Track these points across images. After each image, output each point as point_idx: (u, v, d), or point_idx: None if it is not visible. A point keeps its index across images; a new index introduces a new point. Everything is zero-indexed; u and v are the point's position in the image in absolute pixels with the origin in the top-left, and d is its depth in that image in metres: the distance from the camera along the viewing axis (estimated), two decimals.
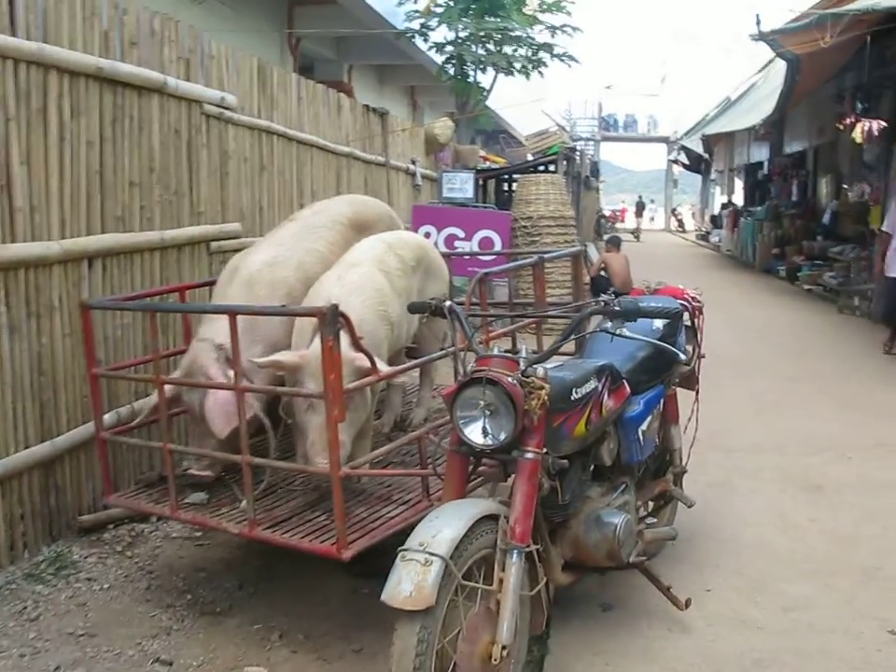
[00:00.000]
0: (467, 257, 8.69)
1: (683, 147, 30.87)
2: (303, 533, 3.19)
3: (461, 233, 9.56)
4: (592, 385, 3.06)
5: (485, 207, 11.15)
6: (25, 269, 3.86)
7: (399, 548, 2.48)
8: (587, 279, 10.34)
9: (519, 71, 13.89)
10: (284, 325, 3.62)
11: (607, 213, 37.91)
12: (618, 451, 3.38)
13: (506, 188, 13.72)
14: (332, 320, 2.82)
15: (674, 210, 46.97)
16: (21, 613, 3.57)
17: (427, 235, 9.44)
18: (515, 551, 2.62)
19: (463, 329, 3.04)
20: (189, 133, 5.23)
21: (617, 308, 2.89)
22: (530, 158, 14.58)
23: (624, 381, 3.36)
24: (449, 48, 13.75)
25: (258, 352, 3.52)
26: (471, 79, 13.92)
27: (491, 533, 2.62)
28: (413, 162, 10.81)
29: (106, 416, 4.16)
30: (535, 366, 2.80)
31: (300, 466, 3.23)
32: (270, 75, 6.45)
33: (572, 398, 2.95)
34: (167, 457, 3.42)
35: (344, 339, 3.07)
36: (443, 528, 2.48)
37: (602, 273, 10.98)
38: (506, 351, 4.13)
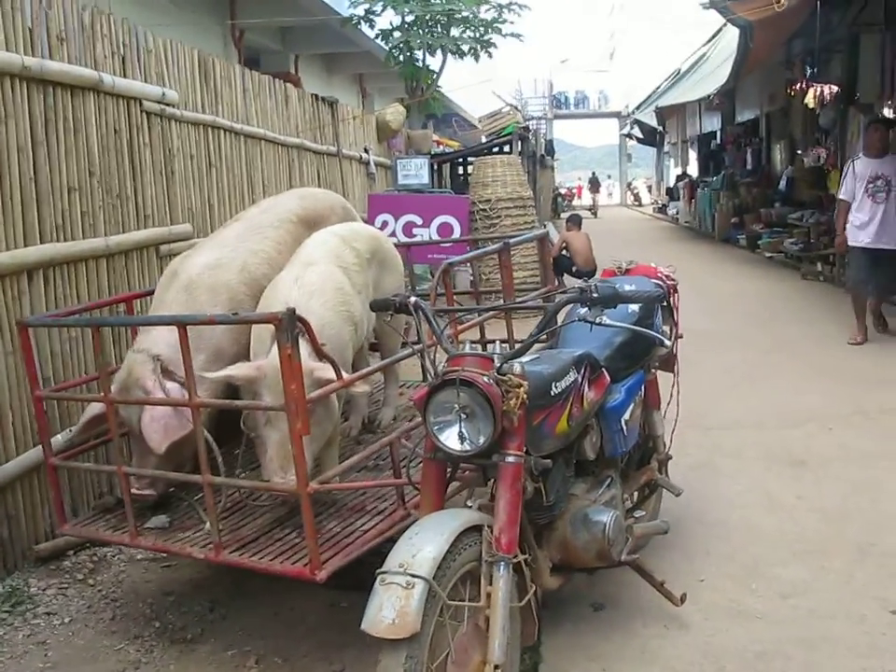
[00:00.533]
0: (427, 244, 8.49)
1: (636, 121, 30.82)
2: (273, 554, 2.98)
3: (419, 220, 9.36)
4: (571, 377, 2.89)
5: (442, 192, 10.94)
6: None
7: (378, 570, 2.29)
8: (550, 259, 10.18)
9: (468, 53, 13.66)
10: (228, 332, 3.41)
11: (563, 191, 37.91)
12: (601, 443, 3.21)
13: (461, 171, 13.52)
14: (290, 326, 2.61)
15: (629, 184, 47.09)
16: None
17: (385, 224, 9.28)
18: (502, 563, 2.44)
19: (431, 326, 2.84)
20: (130, 132, 4.97)
21: (595, 295, 2.70)
22: (484, 140, 14.38)
23: (604, 369, 3.20)
24: (396, 33, 13.48)
25: (201, 361, 3.30)
26: (420, 64, 13.67)
27: (475, 545, 2.44)
28: (366, 151, 10.57)
29: (59, 436, 3.92)
30: (510, 362, 2.62)
31: (264, 484, 3.01)
32: (212, 68, 6.19)
33: (552, 393, 2.77)
34: (122, 480, 3.19)
35: (305, 346, 2.87)
36: (424, 546, 2.29)
37: (564, 252, 10.82)
38: (475, 342, 3.98)
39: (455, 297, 4.22)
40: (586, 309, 2.80)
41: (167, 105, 5.37)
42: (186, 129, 5.72)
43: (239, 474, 3.35)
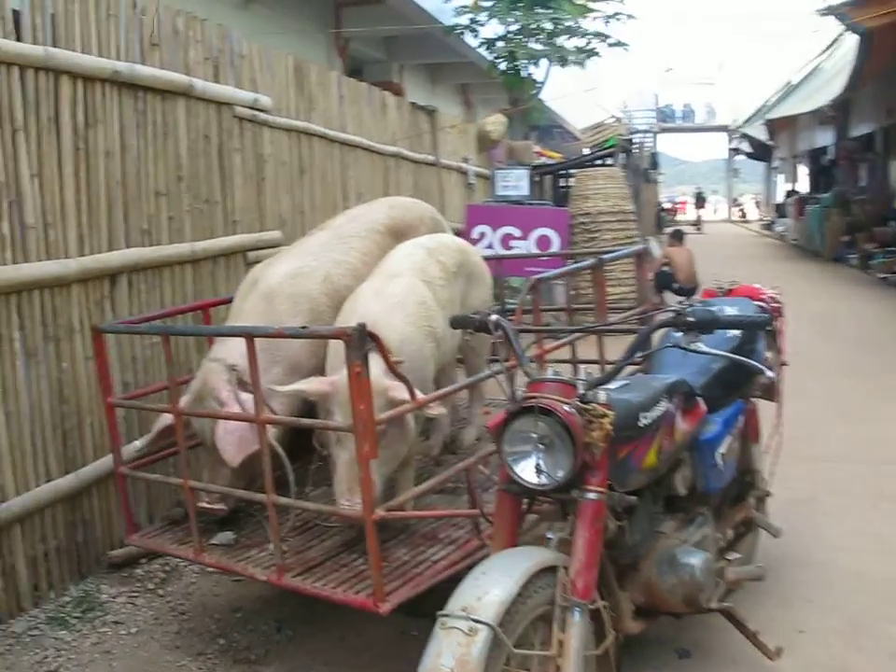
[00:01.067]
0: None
1: (745, 135, 29.97)
2: (337, 581, 2.83)
3: (517, 232, 9.21)
4: (662, 406, 2.65)
5: (542, 204, 10.72)
6: (40, 290, 3.59)
7: (439, 612, 2.11)
8: (650, 275, 9.87)
9: (573, 62, 13.41)
10: (306, 345, 3.28)
11: (667, 206, 37.14)
12: (693, 478, 2.96)
13: (562, 183, 13.25)
14: (360, 342, 2.46)
15: (736, 200, 45.88)
16: (41, 663, 3.30)
17: (483, 235, 9.20)
18: (577, 608, 2.23)
19: (511, 346, 2.66)
20: (220, 137, 4.94)
21: (691, 319, 2.47)
22: (587, 152, 14.09)
23: (699, 398, 2.95)
24: (500, 43, 13.34)
25: (277, 374, 3.19)
26: (523, 74, 13.49)
27: (548, 588, 2.23)
28: (466, 161, 10.44)
29: (137, 442, 3.86)
30: (595, 390, 2.41)
31: (329, 508, 2.85)
32: (307, 74, 6.14)
33: (640, 424, 2.55)
34: (188, 495, 3.10)
35: (378, 364, 2.72)
36: (491, 588, 2.10)
37: (665, 267, 10.48)
38: (562, 363, 3.77)
39: (544, 313, 4.03)
40: (682, 333, 2.57)
41: (260, 110, 5.33)
42: (278, 135, 5.68)
43: (309, 492, 3.22)
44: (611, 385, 2.54)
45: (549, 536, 2.46)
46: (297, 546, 3.09)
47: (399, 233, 4.04)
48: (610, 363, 3.08)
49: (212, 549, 3.19)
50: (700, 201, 39.38)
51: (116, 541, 4.02)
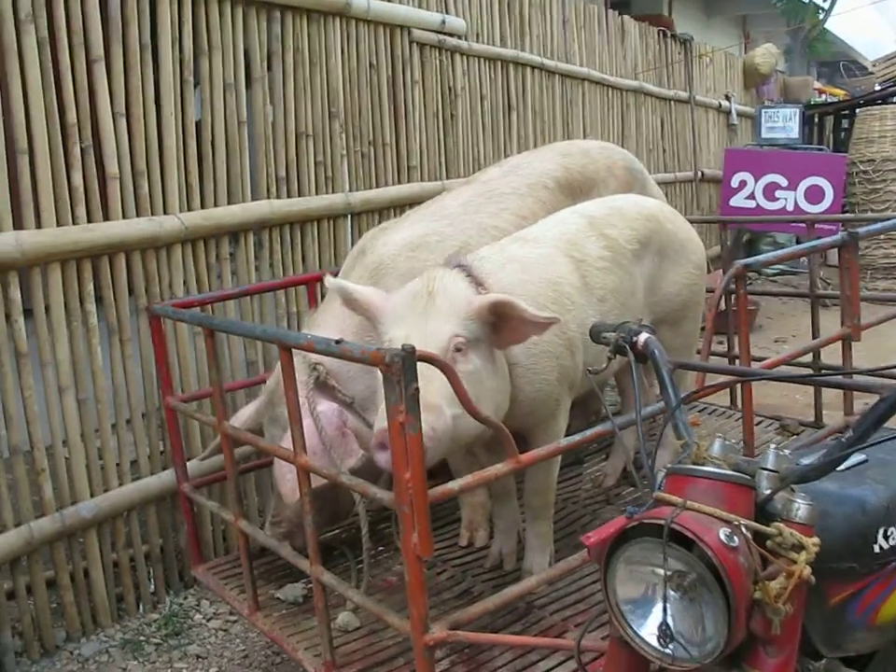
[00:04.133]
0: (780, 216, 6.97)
1: None
2: None
3: (784, 181, 7.79)
4: None
5: (816, 149, 9.04)
6: (127, 253, 2.97)
7: None
8: None
9: None
10: None
11: None
12: None
13: (845, 125, 11.23)
14: (408, 374, 1.55)
15: None
16: None
17: (743, 184, 7.98)
18: None
19: (662, 387, 1.65)
20: (392, 66, 4.14)
21: None
22: (878, 88, 11.89)
23: None
24: None
25: (358, 391, 2.35)
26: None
27: None
28: (728, 98, 8.96)
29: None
30: (794, 492, 1.36)
31: (376, 608, 1.93)
32: None
33: (876, 548, 1.46)
34: (240, 539, 2.35)
35: (441, 391, 1.79)
36: None
37: None
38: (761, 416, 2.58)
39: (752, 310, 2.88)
40: None
41: (448, 34, 4.45)
42: (476, 64, 4.78)
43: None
44: (828, 481, 1.46)
45: None
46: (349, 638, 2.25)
47: (576, 189, 3.04)
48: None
49: (271, 607, 2.45)
50: None
51: (220, 549, 3.40)
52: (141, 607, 3.17)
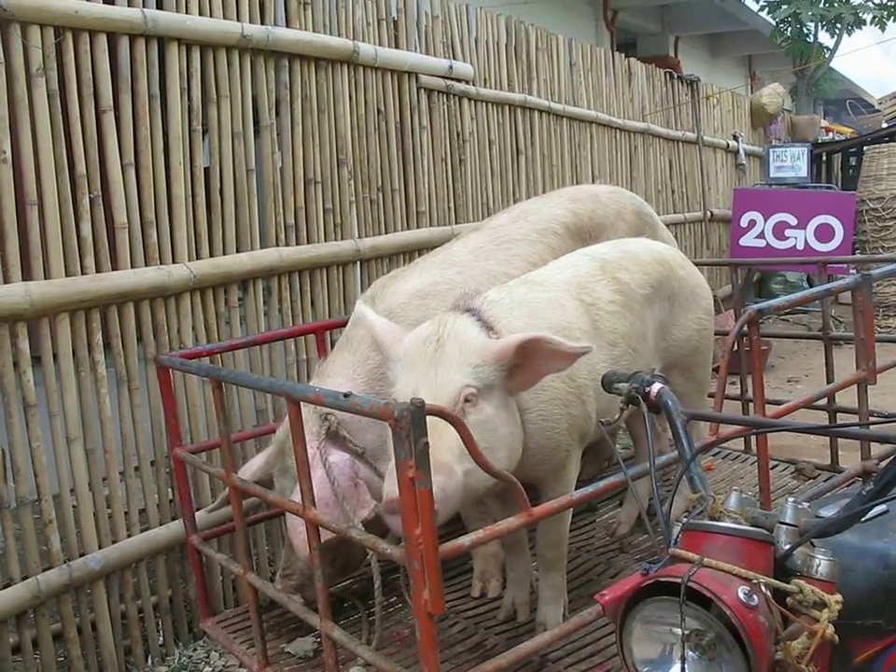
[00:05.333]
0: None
1: None
2: None
3: (793, 220, 7.80)
4: None
5: (825, 188, 9.05)
6: (136, 303, 2.97)
7: None
8: None
9: (871, 22, 11.37)
10: None
11: None
12: None
13: (853, 163, 11.25)
14: (417, 429, 1.52)
15: None
16: None
17: (752, 223, 7.99)
18: None
19: (676, 439, 1.62)
20: (401, 112, 4.15)
21: None
22: (885, 126, 11.93)
23: None
24: (784, 6, 11.57)
25: (368, 441, 2.33)
26: (810, 39, 11.66)
27: None
28: (736, 138, 8.99)
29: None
30: (812, 550, 1.32)
31: (391, 669, 1.88)
32: (525, 37, 5.20)
33: None
34: (249, 592, 2.31)
35: (451, 448, 1.77)
36: None
37: None
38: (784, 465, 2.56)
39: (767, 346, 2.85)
40: None
41: (456, 80, 4.48)
42: (484, 109, 4.81)
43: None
44: (850, 534, 1.42)
45: None
46: None
47: (585, 234, 3.03)
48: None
49: (284, 660, 2.41)
50: None
51: (230, 600, 3.36)
52: (150, 659, 3.12)
